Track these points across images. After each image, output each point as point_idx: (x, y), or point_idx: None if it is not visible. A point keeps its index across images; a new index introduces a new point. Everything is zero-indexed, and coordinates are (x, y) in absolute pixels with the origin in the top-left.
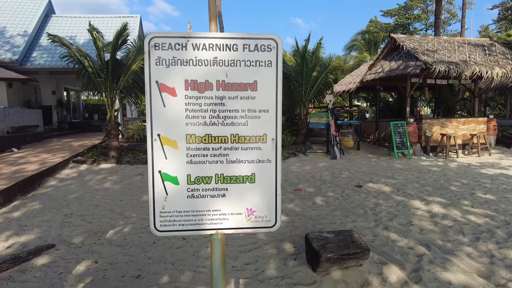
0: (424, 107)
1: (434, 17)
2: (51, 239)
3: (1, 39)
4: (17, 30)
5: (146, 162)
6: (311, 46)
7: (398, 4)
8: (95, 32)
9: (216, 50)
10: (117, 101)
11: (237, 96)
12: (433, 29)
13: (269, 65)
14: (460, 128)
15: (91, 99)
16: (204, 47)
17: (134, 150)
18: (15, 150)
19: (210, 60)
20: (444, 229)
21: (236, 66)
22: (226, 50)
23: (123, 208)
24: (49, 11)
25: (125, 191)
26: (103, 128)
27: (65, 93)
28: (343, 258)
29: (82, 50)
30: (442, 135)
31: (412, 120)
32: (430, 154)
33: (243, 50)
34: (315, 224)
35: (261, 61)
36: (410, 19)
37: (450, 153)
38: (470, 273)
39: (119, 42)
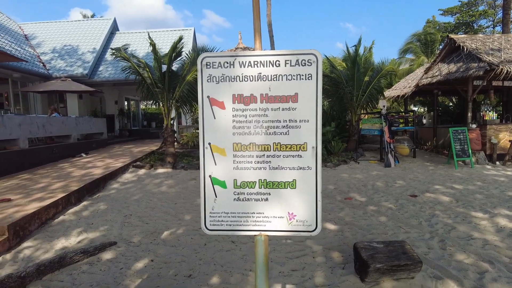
0: (489, 111)
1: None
2: (113, 237)
3: (75, 56)
4: (87, 48)
5: (199, 168)
6: (362, 50)
7: (460, 1)
8: (152, 42)
9: (260, 67)
10: (173, 110)
11: (279, 108)
12: (501, 26)
13: (309, 78)
14: None
15: (149, 108)
16: (249, 64)
17: (188, 156)
18: (84, 155)
19: (255, 76)
20: None
21: (278, 80)
22: (269, 66)
23: (177, 211)
24: (114, 29)
25: (180, 194)
26: (160, 135)
27: (126, 103)
28: (392, 269)
29: (142, 61)
30: None
31: (474, 126)
32: (497, 162)
33: (285, 66)
34: (365, 234)
35: (302, 75)
36: (474, 16)
37: None
38: None
39: (174, 54)
